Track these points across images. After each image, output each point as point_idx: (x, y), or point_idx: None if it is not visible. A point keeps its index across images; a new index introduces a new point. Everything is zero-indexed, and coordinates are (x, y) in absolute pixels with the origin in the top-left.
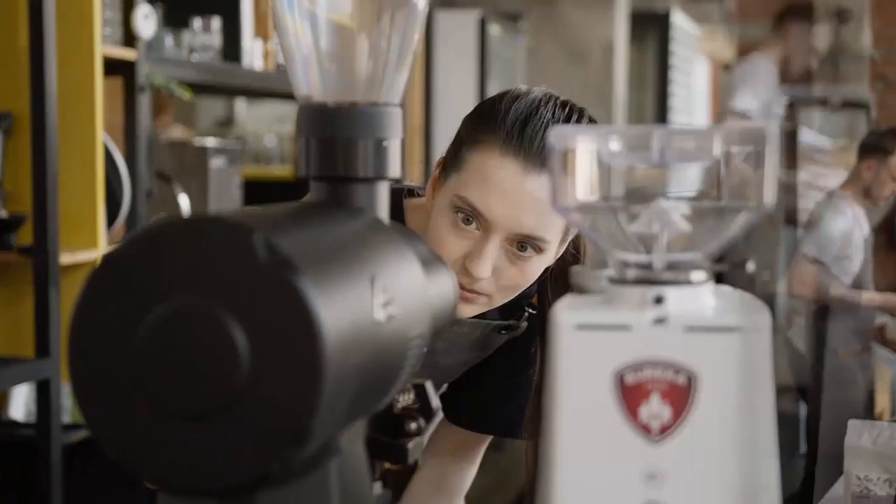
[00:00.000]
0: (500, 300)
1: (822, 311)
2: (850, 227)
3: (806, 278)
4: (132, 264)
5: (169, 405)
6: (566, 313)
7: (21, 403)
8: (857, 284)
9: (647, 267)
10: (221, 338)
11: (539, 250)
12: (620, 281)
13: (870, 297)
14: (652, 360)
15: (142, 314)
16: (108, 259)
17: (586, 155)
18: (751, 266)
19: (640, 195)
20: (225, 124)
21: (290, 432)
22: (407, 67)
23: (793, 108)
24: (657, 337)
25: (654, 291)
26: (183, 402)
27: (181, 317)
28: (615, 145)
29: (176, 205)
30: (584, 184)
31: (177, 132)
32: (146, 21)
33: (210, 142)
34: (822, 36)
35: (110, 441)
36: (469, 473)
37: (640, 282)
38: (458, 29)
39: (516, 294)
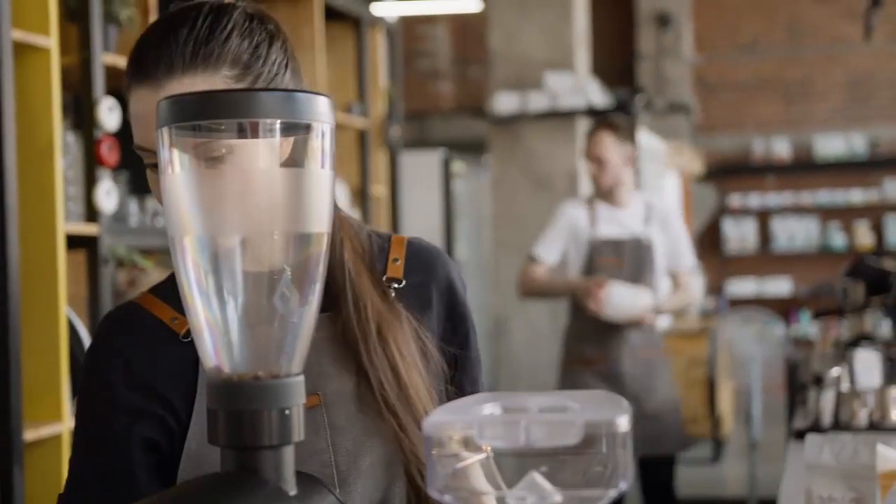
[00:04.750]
0: None
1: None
2: (562, 227)
3: (526, 276)
4: None
5: None
6: None
7: None
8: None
9: None
10: None
11: None
12: None
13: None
14: None
15: None
16: None
17: (459, 441)
18: None
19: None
20: None
21: None
22: (307, 336)
23: None
24: None
25: None
26: None
27: None
28: (487, 432)
29: None
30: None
31: (157, 277)
32: (108, 196)
33: None
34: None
35: None
36: None
37: None
38: (423, 168)
39: None
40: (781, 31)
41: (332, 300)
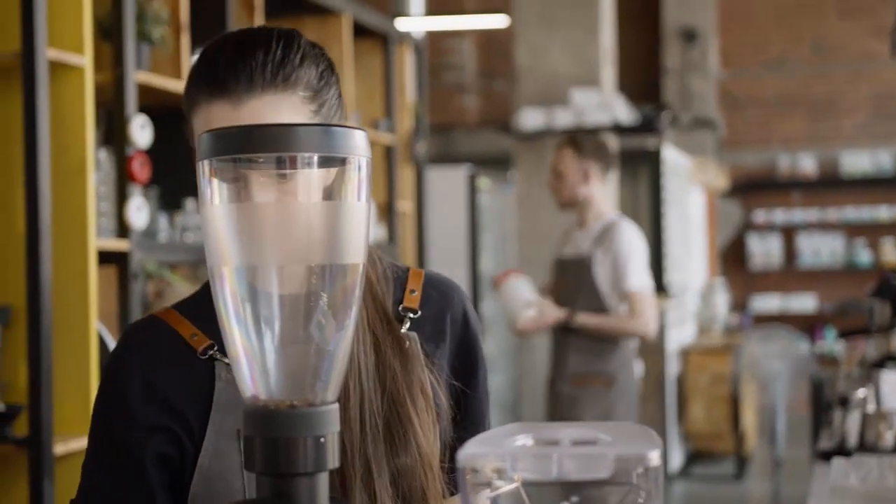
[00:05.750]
0: None
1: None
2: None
3: None
4: None
5: None
6: None
7: None
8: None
9: None
10: None
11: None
12: None
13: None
14: None
15: None
16: None
17: (494, 472)
18: None
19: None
20: None
21: None
22: (343, 365)
23: None
24: None
25: None
26: None
27: None
28: (520, 464)
29: None
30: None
31: (184, 290)
32: (138, 212)
33: None
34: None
35: None
36: None
37: None
38: (449, 183)
39: None
40: (807, 47)
41: None
